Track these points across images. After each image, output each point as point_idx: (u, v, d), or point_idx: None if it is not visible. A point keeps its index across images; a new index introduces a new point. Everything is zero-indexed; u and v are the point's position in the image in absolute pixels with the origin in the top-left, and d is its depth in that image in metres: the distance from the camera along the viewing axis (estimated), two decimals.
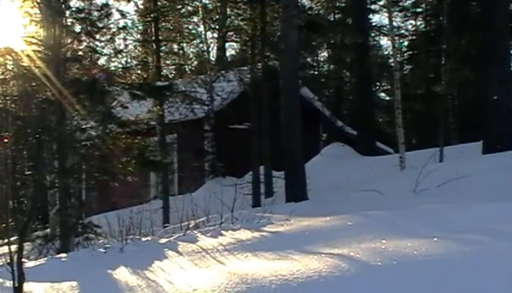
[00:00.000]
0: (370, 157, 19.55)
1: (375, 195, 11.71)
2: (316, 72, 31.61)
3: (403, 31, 29.09)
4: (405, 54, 29.69)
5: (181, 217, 9.95)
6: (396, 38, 24.72)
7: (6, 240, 9.47)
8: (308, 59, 28.93)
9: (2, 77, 13.06)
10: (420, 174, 11.52)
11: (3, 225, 10.82)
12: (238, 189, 11.79)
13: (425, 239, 6.23)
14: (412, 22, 29.38)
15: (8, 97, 12.53)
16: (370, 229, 7.18)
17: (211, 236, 8.30)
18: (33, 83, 12.14)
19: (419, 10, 28.32)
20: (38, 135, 12.10)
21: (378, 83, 31.77)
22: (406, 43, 29.90)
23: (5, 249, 8.66)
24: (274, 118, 15.25)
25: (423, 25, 29.00)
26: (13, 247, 7.15)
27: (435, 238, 6.23)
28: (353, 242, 6.55)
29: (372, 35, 27.27)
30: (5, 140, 11.72)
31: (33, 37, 12.59)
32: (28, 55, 11.95)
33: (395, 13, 26.74)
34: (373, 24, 27.47)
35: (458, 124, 25.27)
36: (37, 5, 12.33)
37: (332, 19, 28.17)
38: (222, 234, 8.32)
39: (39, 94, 12.21)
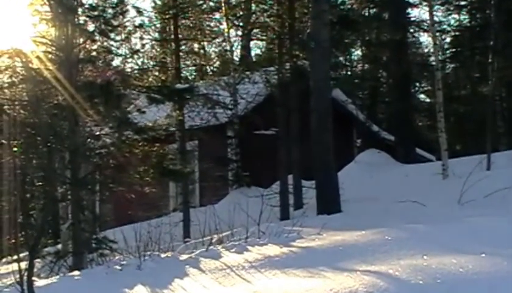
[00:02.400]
0: (409, 164, 19.42)
1: (416, 207, 11.65)
2: (349, 73, 31.51)
3: (445, 26, 28.87)
4: (448, 52, 29.47)
5: (203, 230, 9.99)
6: (437, 34, 24.55)
7: (15, 257, 9.58)
8: (341, 58, 28.87)
9: (10, 80, 13.21)
10: (465, 184, 11.44)
11: (13, 241, 10.94)
12: (264, 200, 11.82)
13: (472, 255, 6.19)
14: (456, 16, 29.15)
15: (16, 103, 12.66)
16: (410, 244, 7.15)
17: (236, 252, 8.32)
18: (44, 87, 12.27)
19: (463, 2, 28.11)
20: (48, 143, 12.22)
21: (417, 84, 31.55)
22: (448, 40, 29.71)
23: (15, 266, 8.76)
24: (304, 122, 15.24)
25: (467, 20, 28.76)
26: (23, 264, 7.23)
27: (483, 254, 6.18)
28: (392, 258, 6.52)
29: (411, 31, 27.13)
30: (14, 149, 11.86)
31: (43, 37, 12.72)
32: (38, 57, 12.08)
33: (437, 7, 26.56)
34: (412, 18, 27.32)
35: (506, 128, 24.99)
36: (47, 3, 12.45)
37: (367, 14, 28.08)
38: (247, 250, 8.34)
39: (50, 99, 12.33)
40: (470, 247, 6.66)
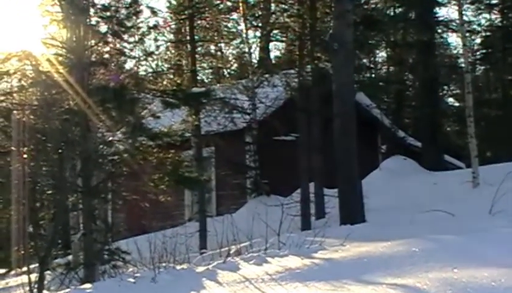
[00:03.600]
0: (437, 172, 19.36)
1: (444, 217, 11.61)
2: (374, 75, 31.47)
3: (475, 26, 28.79)
4: (478, 53, 29.36)
5: (220, 241, 10.00)
6: (467, 34, 24.46)
7: (25, 269, 9.64)
8: (365, 60, 28.83)
9: (19, 84, 13.30)
10: (497, 193, 11.37)
11: (22, 252, 11.00)
12: (284, 209, 11.79)
13: (505, 268, 6.15)
14: (487, 16, 29.05)
15: (26, 107, 12.74)
16: (439, 256, 7.11)
17: (255, 264, 8.32)
18: (54, 91, 12.34)
19: (494, 1, 28.00)
20: (59, 150, 12.29)
21: (445, 87, 31.47)
22: (478, 40, 29.59)
23: (24, 279, 8.82)
24: (326, 128, 15.23)
25: (499, 20, 28.64)
26: (33, 276, 7.27)
27: None
28: (420, 271, 6.50)
29: (439, 31, 27.07)
30: (23, 156, 11.93)
31: (53, 39, 12.79)
32: (48, 60, 12.15)
33: (466, 6, 26.46)
34: (440, 18, 27.26)
35: None
36: (58, 3, 12.54)
37: (392, 13, 28.04)
38: (267, 261, 8.34)
39: (60, 104, 12.40)
40: (503, 259, 6.61)
